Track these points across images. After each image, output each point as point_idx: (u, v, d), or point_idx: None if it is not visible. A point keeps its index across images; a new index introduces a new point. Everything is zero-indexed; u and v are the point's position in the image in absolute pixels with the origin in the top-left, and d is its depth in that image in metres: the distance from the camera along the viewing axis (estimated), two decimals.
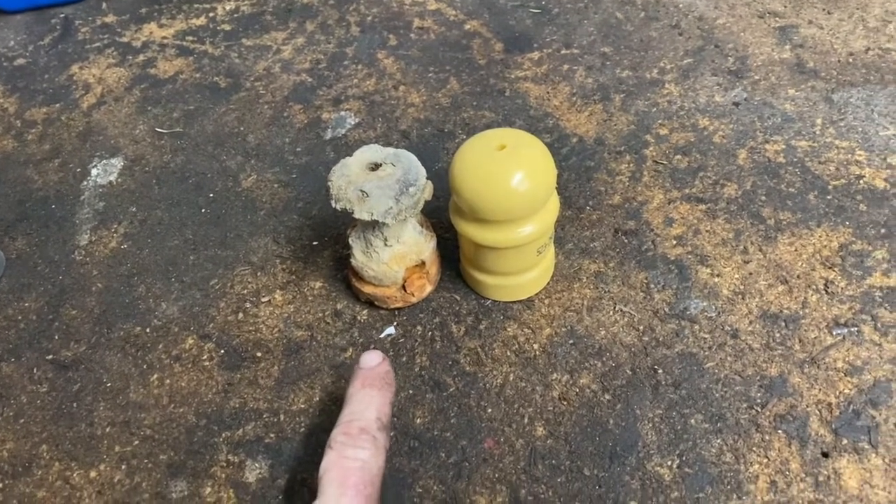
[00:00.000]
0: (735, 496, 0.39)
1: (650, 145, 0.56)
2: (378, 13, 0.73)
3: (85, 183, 0.59)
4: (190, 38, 0.72)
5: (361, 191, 0.42)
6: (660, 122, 0.58)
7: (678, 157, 0.55)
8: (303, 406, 0.44)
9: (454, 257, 0.50)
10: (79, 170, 0.60)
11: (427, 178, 0.44)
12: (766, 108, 0.58)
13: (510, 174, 0.41)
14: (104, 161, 0.61)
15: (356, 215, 0.42)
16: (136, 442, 0.44)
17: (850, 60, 0.61)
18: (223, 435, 0.44)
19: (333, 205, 0.43)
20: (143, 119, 0.64)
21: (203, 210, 0.56)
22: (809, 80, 0.60)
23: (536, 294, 0.48)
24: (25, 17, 0.79)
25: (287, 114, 0.63)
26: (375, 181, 0.43)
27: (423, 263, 0.47)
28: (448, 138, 0.59)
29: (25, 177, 0.61)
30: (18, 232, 0.57)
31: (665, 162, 0.55)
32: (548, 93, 0.61)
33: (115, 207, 0.57)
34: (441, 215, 0.53)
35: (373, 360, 0.39)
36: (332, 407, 0.44)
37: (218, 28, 0.73)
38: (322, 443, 0.43)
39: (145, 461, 0.43)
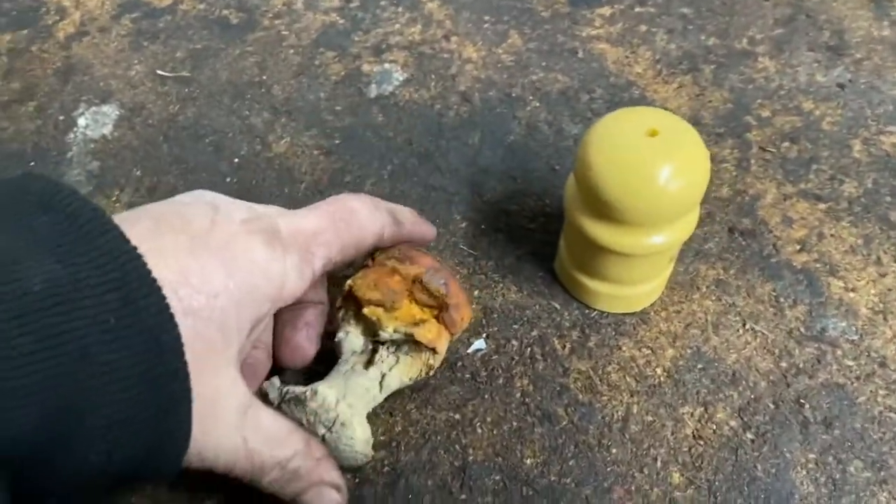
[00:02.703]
0: None
1: (753, 129, 0.49)
2: None
3: (71, 136, 0.48)
4: None
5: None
6: (759, 101, 0.51)
7: (786, 144, 0.48)
8: (383, 439, 0.36)
9: (545, 254, 0.42)
10: (61, 118, 0.49)
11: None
12: (875, 92, 0.51)
13: (667, 168, 0.33)
14: (93, 108, 0.49)
15: None
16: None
17: None
18: None
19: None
20: (138, 57, 0.52)
21: (227, 179, 0.46)
22: None
23: (651, 305, 0.41)
24: None
25: (319, 62, 0.53)
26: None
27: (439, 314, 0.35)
28: (518, 105, 0.50)
29: None
30: None
31: (773, 150, 0.48)
32: (627, 57, 0.53)
33: (113, 169, 0.46)
34: (512, 200, 0.45)
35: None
36: (419, 441, 0.36)
37: None
38: (413, 488, 0.35)
39: None
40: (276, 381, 0.32)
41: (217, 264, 0.27)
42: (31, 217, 0.25)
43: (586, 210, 0.36)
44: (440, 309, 0.35)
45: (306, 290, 0.32)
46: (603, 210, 0.35)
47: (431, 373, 0.35)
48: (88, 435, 0.24)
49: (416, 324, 0.34)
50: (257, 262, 0.29)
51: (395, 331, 0.34)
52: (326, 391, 0.32)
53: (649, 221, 0.35)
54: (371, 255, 0.36)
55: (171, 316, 0.25)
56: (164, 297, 0.25)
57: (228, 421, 0.29)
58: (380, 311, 0.34)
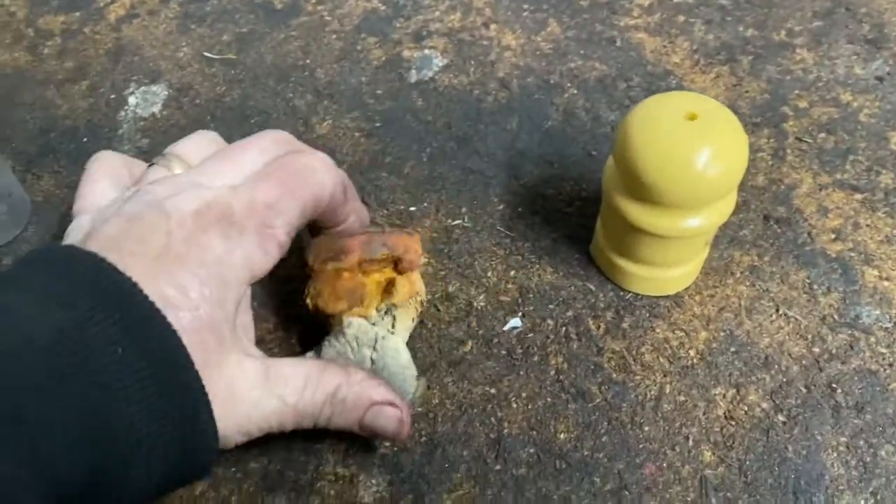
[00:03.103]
0: None
1: (789, 119, 0.49)
2: None
3: (122, 113, 0.49)
4: None
5: None
6: (796, 92, 0.51)
7: (822, 135, 0.48)
8: (420, 410, 0.37)
9: (581, 237, 0.43)
10: (112, 96, 0.50)
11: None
12: None
13: (705, 152, 0.34)
14: (143, 88, 0.51)
15: None
16: None
17: None
18: (327, 441, 0.36)
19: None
20: (185, 40, 0.54)
21: None
22: None
23: (686, 289, 0.41)
24: None
25: (360, 47, 0.54)
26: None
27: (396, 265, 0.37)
28: (556, 91, 0.51)
29: (46, 100, 0.50)
30: (44, 168, 0.47)
31: (809, 140, 0.48)
32: (665, 47, 0.54)
33: (162, 146, 0.47)
34: (549, 184, 0.45)
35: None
36: (456, 413, 0.37)
37: None
38: (449, 457, 0.36)
39: (232, 469, 0.35)
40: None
41: (188, 276, 0.28)
42: (37, 276, 0.27)
43: (624, 191, 0.37)
44: (395, 263, 0.36)
45: None
46: (641, 191, 0.36)
47: (424, 304, 0.38)
48: (125, 455, 0.26)
49: (388, 292, 0.36)
50: (221, 258, 0.29)
51: (377, 310, 0.36)
52: (359, 319, 0.33)
53: (686, 204, 0.36)
54: (304, 264, 0.37)
55: (171, 329, 0.27)
56: (161, 314, 0.27)
57: (254, 395, 0.30)
58: (355, 310, 0.35)
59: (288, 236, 0.32)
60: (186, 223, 0.29)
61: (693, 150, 0.34)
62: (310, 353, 0.35)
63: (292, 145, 0.35)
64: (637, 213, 0.37)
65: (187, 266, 0.28)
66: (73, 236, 0.31)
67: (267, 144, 0.34)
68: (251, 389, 0.30)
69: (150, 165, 0.34)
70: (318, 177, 0.33)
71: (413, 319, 0.37)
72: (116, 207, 0.30)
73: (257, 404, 0.30)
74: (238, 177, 0.32)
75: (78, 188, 0.34)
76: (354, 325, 0.34)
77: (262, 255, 0.31)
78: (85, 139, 0.48)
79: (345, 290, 0.35)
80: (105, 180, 0.34)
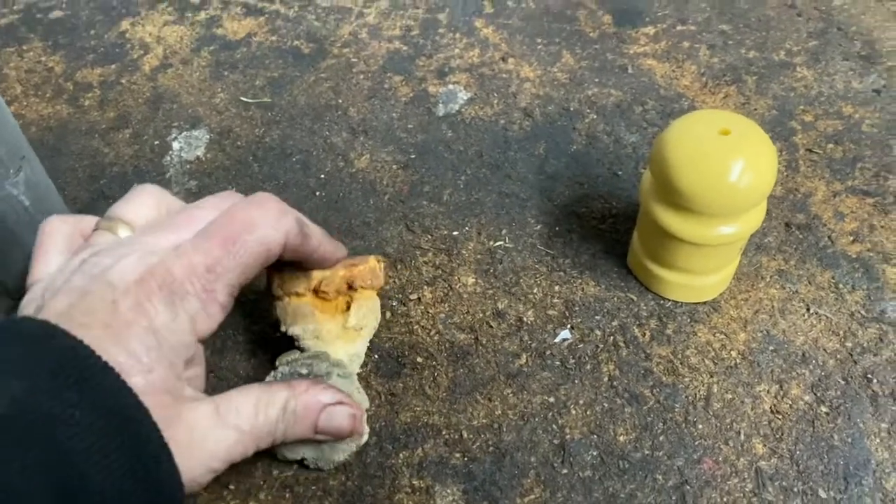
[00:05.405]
0: None
1: (798, 132, 0.53)
2: None
3: (168, 158, 0.51)
4: None
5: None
6: (801, 107, 0.54)
7: (830, 145, 0.52)
8: (485, 421, 0.39)
9: (617, 251, 0.46)
10: (156, 142, 0.53)
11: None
12: None
13: (738, 164, 0.37)
14: (185, 133, 0.53)
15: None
16: (297, 465, 0.38)
17: None
18: (401, 455, 0.38)
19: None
20: (220, 86, 0.56)
21: (317, 193, 0.49)
22: None
23: (720, 295, 0.44)
24: None
25: (388, 86, 0.56)
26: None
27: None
28: (577, 118, 0.54)
29: (92, 148, 0.52)
30: (98, 213, 0.48)
31: (819, 151, 0.51)
32: (674, 71, 0.57)
33: (210, 187, 0.50)
34: (580, 204, 0.48)
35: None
36: (519, 423, 0.39)
37: None
38: (518, 464, 0.38)
39: (313, 488, 0.37)
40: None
41: (136, 343, 0.29)
42: None
43: (662, 203, 0.40)
44: (349, 287, 0.39)
45: None
46: (678, 202, 0.38)
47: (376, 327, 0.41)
48: None
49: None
50: (167, 324, 0.30)
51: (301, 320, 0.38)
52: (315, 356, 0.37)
53: (721, 212, 0.38)
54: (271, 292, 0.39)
55: (126, 387, 0.28)
56: (115, 374, 0.28)
57: (213, 433, 0.31)
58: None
59: (230, 297, 0.32)
60: (131, 291, 0.30)
61: (727, 162, 0.37)
62: (269, 377, 0.37)
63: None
64: (675, 223, 0.39)
65: (135, 333, 0.29)
66: (27, 309, 0.31)
67: (216, 202, 0.34)
68: (209, 429, 0.31)
69: (95, 228, 0.35)
70: (261, 232, 0.32)
71: (369, 328, 0.39)
72: (64, 279, 0.31)
73: (218, 440, 0.31)
74: (182, 237, 0.32)
75: (31, 257, 0.34)
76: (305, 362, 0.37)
77: (206, 317, 0.32)
78: (134, 184, 0.50)
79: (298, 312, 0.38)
80: (55, 248, 0.34)
